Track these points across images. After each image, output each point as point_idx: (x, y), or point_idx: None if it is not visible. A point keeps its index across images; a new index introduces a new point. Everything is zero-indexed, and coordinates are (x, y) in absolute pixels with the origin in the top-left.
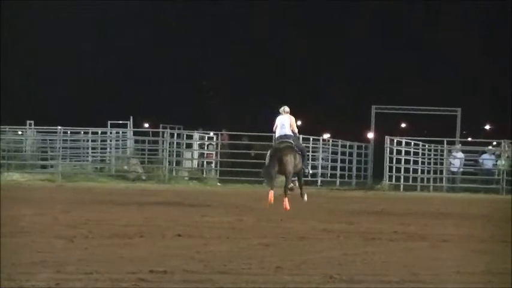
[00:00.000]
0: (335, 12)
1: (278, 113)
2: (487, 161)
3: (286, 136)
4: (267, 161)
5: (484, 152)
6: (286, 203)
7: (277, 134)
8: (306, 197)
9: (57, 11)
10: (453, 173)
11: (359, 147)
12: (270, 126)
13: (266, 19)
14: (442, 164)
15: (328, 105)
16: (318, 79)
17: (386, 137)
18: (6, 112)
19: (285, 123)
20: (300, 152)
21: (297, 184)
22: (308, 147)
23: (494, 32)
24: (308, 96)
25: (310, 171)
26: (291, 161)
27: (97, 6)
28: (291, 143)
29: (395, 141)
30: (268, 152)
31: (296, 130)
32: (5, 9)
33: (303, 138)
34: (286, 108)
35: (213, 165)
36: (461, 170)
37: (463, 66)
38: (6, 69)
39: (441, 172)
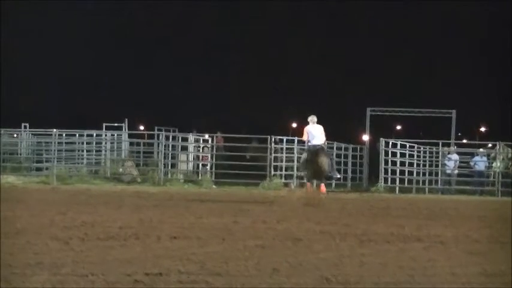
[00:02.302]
0: (333, 14)
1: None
2: (479, 163)
3: (318, 144)
4: (303, 164)
5: (476, 155)
6: (323, 188)
7: (309, 143)
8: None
9: (53, 14)
10: (448, 175)
11: (354, 149)
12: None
13: (266, 20)
14: (437, 166)
15: (323, 107)
16: (313, 80)
17: (381, 139)
18: (0, 114)
19: (316, 133)
20: (330, 158)
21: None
22: (303, 149)
23: (491, 35)
24: (303, 98)
25: (338, 176)
26: (326, 163)
27: (93, 7)
28: (323, 148)
29: (390, 143)
30: (304, 156)
31: (324, 138)
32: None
33: (298, 141)
34: (315, 118)
35: (208, 167)
36: (457, 171)
37: (459, 68)
38: (1, 72)
39: (436, 174)
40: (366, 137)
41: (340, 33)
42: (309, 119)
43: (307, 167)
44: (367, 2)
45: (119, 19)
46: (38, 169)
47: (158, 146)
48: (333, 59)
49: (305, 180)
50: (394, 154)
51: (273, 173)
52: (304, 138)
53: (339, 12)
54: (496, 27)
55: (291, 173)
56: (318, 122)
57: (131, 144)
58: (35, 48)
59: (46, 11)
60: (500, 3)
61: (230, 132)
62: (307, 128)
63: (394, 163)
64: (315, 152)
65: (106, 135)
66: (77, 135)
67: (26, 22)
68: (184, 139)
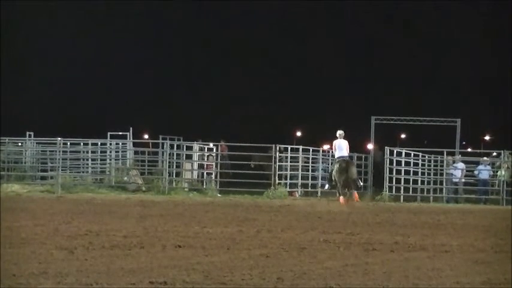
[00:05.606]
0: (337, 22)
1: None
2: (483, 171)
3: (344, 156)
4: (334, 174)
5: (480, 163)
6: (356, 196)
7: (337, 155)
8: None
9: (58, 23)
10: (455, 183)
11: (359, 158)
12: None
13: (269, 27)
14: (442, 174)
15: (327, 116)
16: (318, 90)
17: (386, 147)
18: (5, 123)
19: (343, 146)
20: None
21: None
22: (308, 158)
23: (496, 44)
24: (307, 107)
25: (362, 184)
26: (354, 173)
27: (98, 16)
28: (350, 160)
29: (395, 152)
30: (335, 167)
31: (349, 151)
32: (5, 15)
33: (302, 149)
34: (343, 133)
35: (213, 176)
36: (463, 180)
37: (464, 77)
38: (5, 80)
39: (441, 183)
40: (370, 146)
41: (344, 41)
42: (338, 133)
43: (339, 177)
44: (373, 13)
45: (125, 26)
46: (43, 178)
47: (163, 154)
48: (338, 67)
49: (337, 191)
50: (398, 163)
51: (277, 181)
52: (334, 152)
53: (343, 20)
54: (502, 36)
55: (295, 181)
56: (325, 131)
57: (136, 153)
58: (40, 55)
59: (48, 16)
60: (506, 13)
61: (234, 141)
62: (335, 142)
63: (398, 172)
64: (345, 163)
65: (111, 144)
66: (82, 144)
67: (28, 29)
68: (189, 148)
